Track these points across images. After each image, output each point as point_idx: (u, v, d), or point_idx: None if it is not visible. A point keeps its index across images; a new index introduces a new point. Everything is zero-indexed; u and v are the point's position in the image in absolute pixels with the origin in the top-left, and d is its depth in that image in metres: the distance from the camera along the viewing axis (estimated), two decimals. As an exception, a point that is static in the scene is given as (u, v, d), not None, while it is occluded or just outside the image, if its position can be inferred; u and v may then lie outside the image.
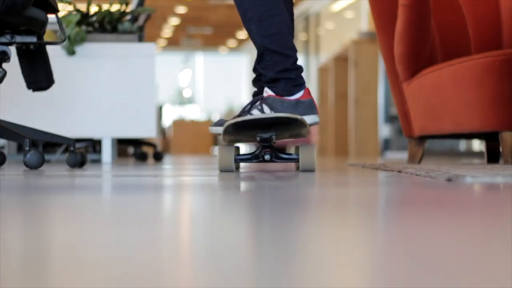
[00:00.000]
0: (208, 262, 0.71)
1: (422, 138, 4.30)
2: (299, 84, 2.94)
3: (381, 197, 1.62)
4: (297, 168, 3.03)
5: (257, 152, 2.96)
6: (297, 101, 2.92)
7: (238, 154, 2.99)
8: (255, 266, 0.69)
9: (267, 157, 2.95)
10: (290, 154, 3.00)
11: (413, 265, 0.69)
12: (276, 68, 2.93)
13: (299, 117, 2.80)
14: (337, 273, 0.65)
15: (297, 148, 2.99)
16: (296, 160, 2.98)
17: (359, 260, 0.73)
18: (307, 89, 2.96)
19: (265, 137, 2.92)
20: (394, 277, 0.63)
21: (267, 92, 2.95)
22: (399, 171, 3.05)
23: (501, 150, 3.98)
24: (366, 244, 0.85)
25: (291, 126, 2.88)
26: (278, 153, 2.97)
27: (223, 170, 2.98)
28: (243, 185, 2.08)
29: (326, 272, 0.66)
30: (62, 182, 2.29)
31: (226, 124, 2.87)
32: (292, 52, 2.98)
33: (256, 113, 2.91)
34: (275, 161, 2.95)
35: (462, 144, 9.40)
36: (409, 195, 1.67)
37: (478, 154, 7.99)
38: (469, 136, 4.33)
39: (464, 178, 2.24)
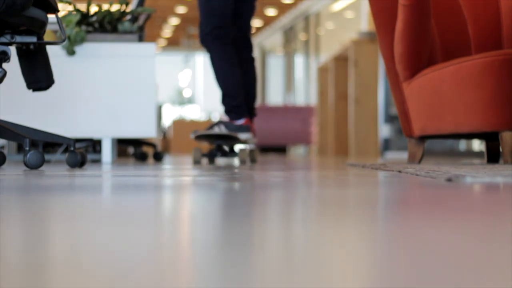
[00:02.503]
0: (208, 262, 0.72)
1: (422, 138, 4.30)
2: (242, 115, 4.91)
3: (381, 197, 1.62)
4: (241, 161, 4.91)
5: (214, 152, 4.89)
6: (241, 125, 4.88)
7: (203, 153, 4.85)
8: (255, 266, 0.69)
9: (219, 154, 4.88)
10: (234, 153, 4.93)
11: (413, 265, 0.70)
12: (231, 104, 4.91)
13: (234, 134, 4.80)
14: (337, 273, 0.66)
15: (237, 151, 4.90)
16: (237, 156, 4.90)
17: (359, 260, 0.73)
18: (247, 118, 4.94)
19: (219, 143, 4.88)
20: (394, 277, 0.63)
21: (224, 117, 4.98)
22: (399, 171, 3.06)
23: (501, 150, 3.98)
24: (366, 244, 0.85)
25: (233, 139, 4.84)
26: (226, 152, 4.89)
27: (195, 162, 4.79)
28: (243, 185, 2.08)
29: (326, 272, 0.66)
30: (62, 182, 2.29)
31: (199, 133, 4.81)
32: (239, 97, 4.91)
33: (216, 130, 4.82)
34: (224, 157, 4.89)
35: (462, 144, 9.40)
36: (409, 195, 1.67)
37: (478, 154, 7.99)
38: (469, 136, 4.33)
39: (464, 178, 2.24)
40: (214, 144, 4.92)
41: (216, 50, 4.86)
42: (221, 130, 4.81)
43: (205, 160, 5.77)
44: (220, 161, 5.66)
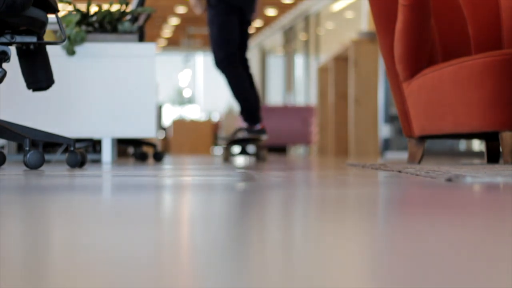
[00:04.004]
0: (208, 262, 0.72)
1: (422, 138, 4.30)
2: (258, 121, 6.16)
3: (381, 197, 1.62)
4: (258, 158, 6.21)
5: (240, 152, 6.35)
6: (259, 129, 6.15)
7: (232, 154, 6.21)
8: (255, 266, 0.69)
9: (243, 154, 6.30)
10: (256, 152, 6.20)
11: (413, 265, 0.70)
12: (248, 113, 6.14)
13: (258, 137, 6.11)
14: (337, 273, 0.65)
15: (258, 151, 6.20)
16: (255, 155, 6.19)
17: (359, 260, 0.73)
18: (262, 123, 6.20)
19: (243, 145, 6.25)
20: (394, 277, 0.63)
21: (245, 125, 6.18)
22: (399, 171, 3.06)
23: (501, 150, 3.98)
24: (366, 244, 0.85)
25: (252, 141, 6.12)
26: (248, 152, 6.37)
27: (225, 160, 5.93)
28: (243, 185, 2.08)
29: (326, 272, 0.66)
30: (62, 182, 2.29)
31: (229, 139, 6.14)
32: (253, 106, 6.14)
33: (241, 135, 6.14)
34: (247, 155, 6.40)
35: (462, 144, 9.40)
36: (409, 195, 1.67)
37: (478, 154, 7.99)
38: (469, 136, 4.33)
39: (464, 178, 2.24)
40: (233, 146, 6.26)
41: (230, 73, 6.08)
42: (244, 135, 6.15)
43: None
44: (242, 159, 6.91)
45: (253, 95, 6.20)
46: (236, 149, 6.33)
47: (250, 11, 6.21)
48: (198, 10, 6.25)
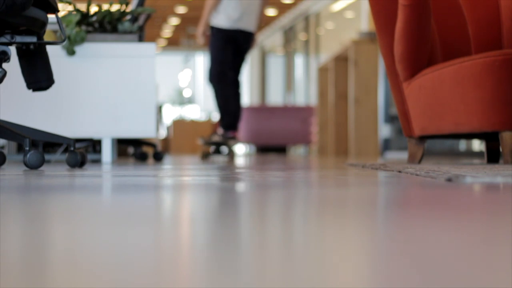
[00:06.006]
0: (208, 263, 0.72)
1: (422, 138, 4.30)
2: (234, 128, 7.53)
3: (381, 197, 1.62)
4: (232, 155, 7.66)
5: (214, 151, 7.54)
6: (231, 136, 7.51)
7: (211, 152, 7.61)
8: (254, 266, 0.69)
9: (217, 153, 7.52)
10: (228, 154, 7.54)
11: (413, 265, 0.70)
12: (225, 122, 7.53)
13: (227, 142, 7.45)
14: (337, 273, 0.65)
15: (230, 152, 7.61)
16: (232, 156, 7.50)
17: (359, 260, 0.73)
18: (235, 131, 7.58)
19: (217, 147, 7.50)
20: (394, 277, 0.63)
21: (221, 130, 7.55)
22: (399, 171, 3.06)
23: (501, 150, 3.98)
24: (366, 244, 0.85)
25: (225, 144, 7.47)
26: (223, 152, 7.56)
27: (203, 157, 7.31)
28: (243, 185, 2.08)
29: (326, 272, 0.66)
30: (62, 182, 2.29)
31: (207, 141, 7.53)
32: (231, 119, 7.49)
33: (215, 138, 7.51)
34: (221, 154, 7.60)
35: (462, 144, 9.40)
36: (409, 195, 1.67)
37: (478, 154, 7.99)
38: (469, 136, 4.33)
39: (464, 178, 2.24)
40: (211, 146, 7.62)
41: (220, 88, 7.47)
42: (219, 138, 7.53)
43: (199, 158, 8.31)
44: (219, 158, 7.84)
45: (234, 109, 7.53)
46: (211, 149, 7.61)
47: (247, 44, 7.56)
48: (201, 41, 7.57)
